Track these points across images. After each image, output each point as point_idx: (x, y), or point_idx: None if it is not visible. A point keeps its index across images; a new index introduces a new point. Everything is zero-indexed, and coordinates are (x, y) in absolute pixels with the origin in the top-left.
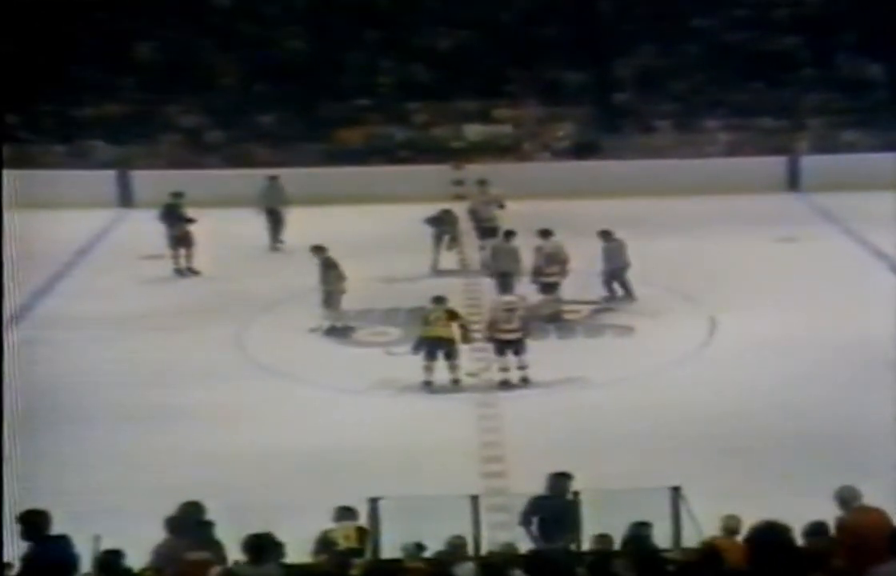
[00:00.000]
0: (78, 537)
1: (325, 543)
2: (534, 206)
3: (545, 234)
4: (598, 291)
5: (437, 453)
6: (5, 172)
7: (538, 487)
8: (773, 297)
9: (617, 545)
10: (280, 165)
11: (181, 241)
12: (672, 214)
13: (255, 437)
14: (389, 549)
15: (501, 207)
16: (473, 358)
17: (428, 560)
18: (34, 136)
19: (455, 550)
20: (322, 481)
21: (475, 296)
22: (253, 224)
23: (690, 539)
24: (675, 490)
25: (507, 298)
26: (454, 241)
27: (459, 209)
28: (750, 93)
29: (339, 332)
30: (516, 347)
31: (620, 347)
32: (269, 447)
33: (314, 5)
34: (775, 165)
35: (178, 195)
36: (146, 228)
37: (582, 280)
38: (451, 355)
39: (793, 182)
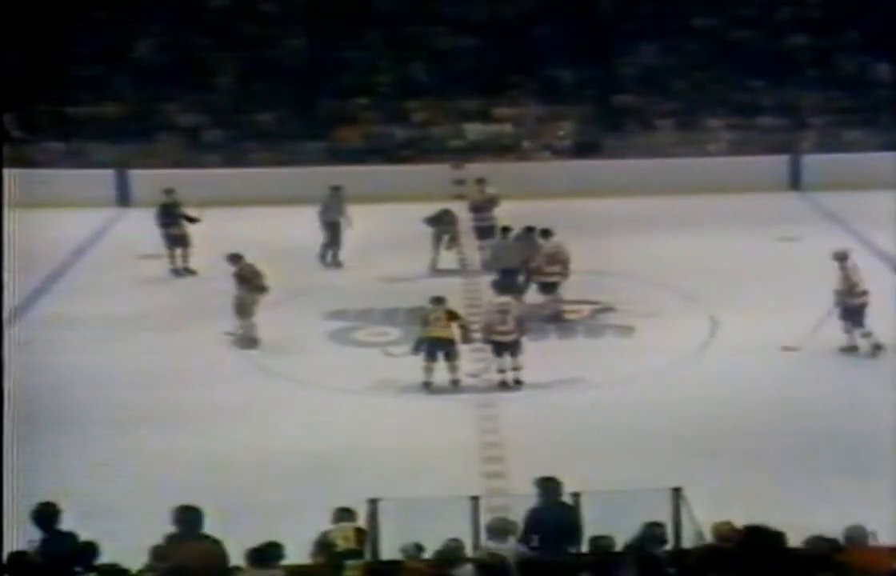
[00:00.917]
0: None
1: (323, 544)
2: (534, 205)
3: (545, 234)
4: (597, 292)
5: (436, 453)
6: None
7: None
8: (775, 296)
9: (617, 546)
10: (279, 164)
11: (178, 240)
12: (673, 213)
13: (253, 437)
14: (389, 550)
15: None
16: (473, 358)
17: (427, 561)
18: (32, 136)
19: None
20: (321, 481)
21: (475, 296)
22: (251, 224)
23: (691, 540)
24: (676, 491)
25: (501, 299)
26: (454, 240)
27: (459, 209)
28: (751, 92)
29: (248, 341)
30: (512, 348)
31: (620, 347)
32: (268, 448)
33: (313, 4)
34: (777, 164)
35: (169, 192)
36: (144, 227)
37: (582, 280)
38: (451, 356)
39: (794, 181)
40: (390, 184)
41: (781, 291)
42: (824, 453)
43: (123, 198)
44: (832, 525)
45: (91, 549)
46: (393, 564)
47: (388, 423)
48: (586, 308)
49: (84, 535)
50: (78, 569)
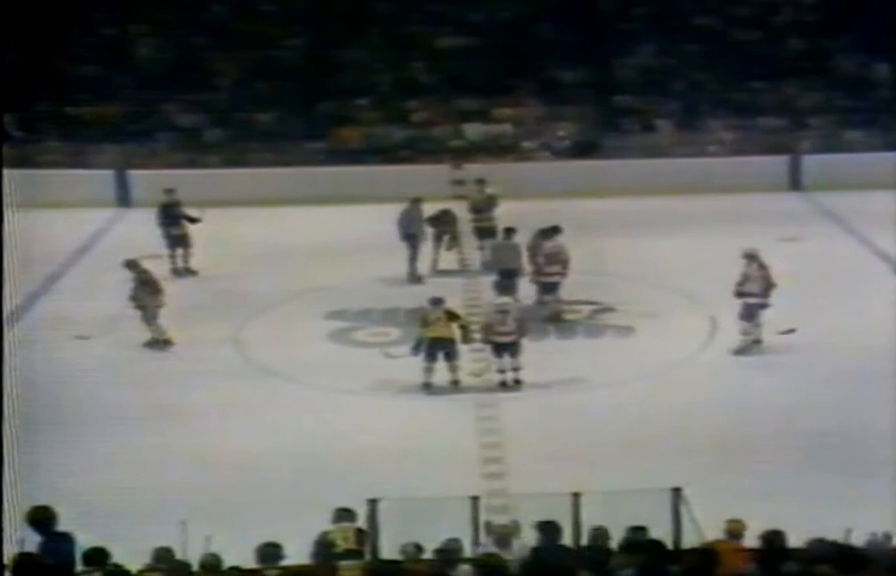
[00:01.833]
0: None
1: (323, 544)
2: (534, 205)
3: (545, 233)
4: (597, 292)
5: (436, 453)
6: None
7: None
8: (775, 297)
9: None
10: (279, 164)
11: (178, 240)
12: (673, 213)
13: (253, 437)
14: (389, 550)
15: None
16: (474, 359)
17: (427, 561)
18: (32, 136)
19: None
20: (321, 481)
21: (475, 296)
22: (251, 224)
23: (691, 541)
24: (676, 491)
25: (501, 300)
26: (454, 240)
27: (460, 209)
28: (752, 92)
29: (160, 344)
30: (512, 349)
31: (620, 347)
32: (268, 448)
33: (313, 4)
34: (777, 164)
35: (169, 192)
36: (144, 227)
37: (582, 280)
38: (451, 356)
39: (795, 182)
40: (390, 184)
41: (781, 291)
42: (825, 453)
43: (123, 198)
44: (832, 525)
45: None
46: (393, 564)
47: (388, 423)
48: (586, 308)
49: (84, 535)
50: (81, 569)
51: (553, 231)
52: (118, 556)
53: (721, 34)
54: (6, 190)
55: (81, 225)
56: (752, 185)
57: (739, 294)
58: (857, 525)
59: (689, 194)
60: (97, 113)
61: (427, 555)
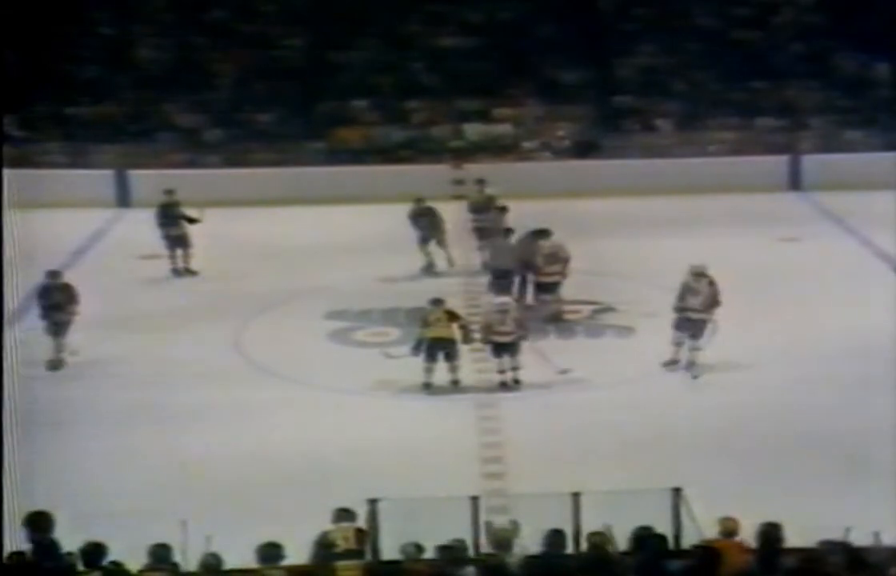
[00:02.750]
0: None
1: (323, 544)
2: (534, 206)
3: (545, 233)
4: (597, 292)
5: (436, 453)
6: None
7: (536, 487)
8: (775, 296)
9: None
10: (279, 164)
11: (178, 241)
12: (673, 213)
13: (253, 437)
14: (389, 550)
15: (501, 209)
16: (474, 358)
17: (427, 562)
18: (32, 136)
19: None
20: (321, 481)
21: (475, 296)
22: (251, 224)
23: (691, 541)
24: (676, 491)
25: (500, 300)
26: (441, 244)
27: (459, 209)
28: (752, 92)
29: (57, 363)
30: (511, 349)
31: (620, 347)
32: (267, 448)
33: (313, 4)
34: (777, 164)
35: (169, 192)
36: (144, 227)
37: (582, 280)
38: (451, 356)
39: (795, 181)
40: (390, 184)
41: (781, 291)
42: (825, 453)
43: (123, 198)
44: (832, 525)
45: (99, 550)
46: (393, 564)
47: (388, 423)
48: (586, 308)
49: (83, 536)
50: (81, 568)
51: (542, 233)
52: (118, 556)
53: (721, 34)
54: (6, 190)
55: (81, 225)
56: (752, 185)
57: (679, 309)
58: (857, 525)
59: (689, 194)
60: (97, 113)
61: (428, 555)
